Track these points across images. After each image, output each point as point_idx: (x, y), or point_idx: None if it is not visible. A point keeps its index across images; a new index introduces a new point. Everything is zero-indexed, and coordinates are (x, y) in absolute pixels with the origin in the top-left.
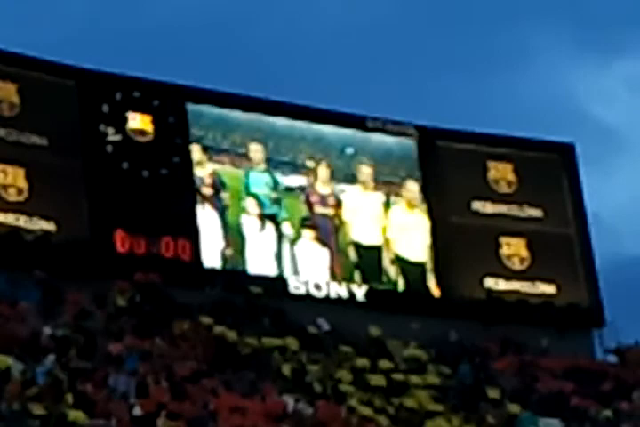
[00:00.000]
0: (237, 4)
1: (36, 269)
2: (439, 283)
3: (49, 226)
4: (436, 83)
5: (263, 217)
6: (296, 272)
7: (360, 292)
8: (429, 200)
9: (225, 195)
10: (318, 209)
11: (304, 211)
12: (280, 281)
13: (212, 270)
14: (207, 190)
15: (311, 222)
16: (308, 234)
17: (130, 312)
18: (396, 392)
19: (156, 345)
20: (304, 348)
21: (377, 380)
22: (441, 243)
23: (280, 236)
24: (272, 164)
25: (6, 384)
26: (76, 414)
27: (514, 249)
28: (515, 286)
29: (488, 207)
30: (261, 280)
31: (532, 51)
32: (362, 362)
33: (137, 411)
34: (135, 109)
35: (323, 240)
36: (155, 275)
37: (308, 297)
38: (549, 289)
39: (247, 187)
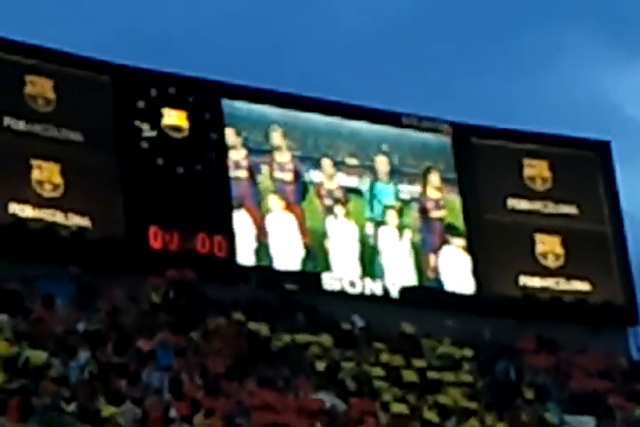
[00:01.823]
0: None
1: (71, 265)
2: (474, 280)
3: (84, 222)
4: (467, 81)
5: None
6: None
7: (394, 289)
8: (464, 197)
9: None
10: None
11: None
12: (313, 277)
13: (247, 267)
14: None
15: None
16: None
17: (164, 308)
18: (430, 389)
19: (190, 341)
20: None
21: (410, 376)
22: (476, 240)
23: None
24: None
25: (41, 380)
26: (110, 410)
27: (549, 246)
28: (549, 283)
29: (523, 204)
30: (295, 276)
31: (562, 49)
32: (395, 359)
33: (171, 408)
34: (170, 105)
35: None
36: (188, 271)
37: (341, 293)
38: (584, 287)
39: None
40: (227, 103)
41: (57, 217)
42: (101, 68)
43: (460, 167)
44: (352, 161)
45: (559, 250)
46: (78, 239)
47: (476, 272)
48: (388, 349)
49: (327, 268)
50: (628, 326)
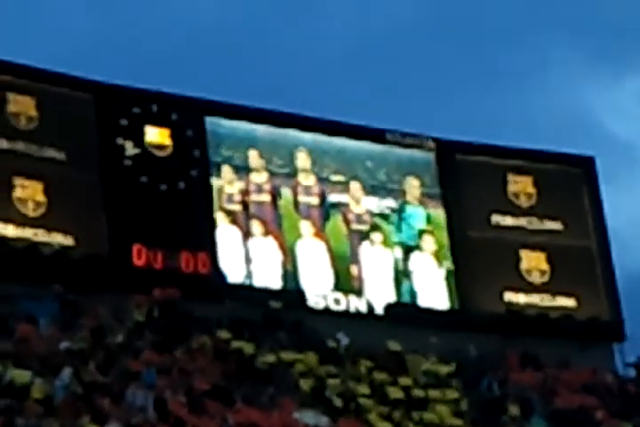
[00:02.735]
0: (254, 17)
1: (55, 284)
2: (459, 297)
3: (67, 240)
4: (451, 97)
5: None
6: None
7: (379, 305)
8: (449, 213)
9: None
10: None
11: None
12: (298, 295)
13: (231, 285)
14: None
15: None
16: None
17: (148, 327)
18: (415, 406)
19: (175, 359)
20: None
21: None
22: (460, 257)
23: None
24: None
25: (25, 399)
26: None
27: (534, 262)
28: (535, 299)
29: (508, 220)
30: (280, 294)
31: (547, 66)
32: (381, 376)
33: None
34: (153, 123)
35: None
36: (173, 291)
37: (326, 311)
38: (570, 303)
39: None
40: (210, 120)
41: (40, 236)
42: (84, 86)
43: (445, 183)
44: (337, 177)
45: (544, 266)
46: (62, 258)
47: (461, 289)
48: (374, 366)
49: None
50: (614, 342)
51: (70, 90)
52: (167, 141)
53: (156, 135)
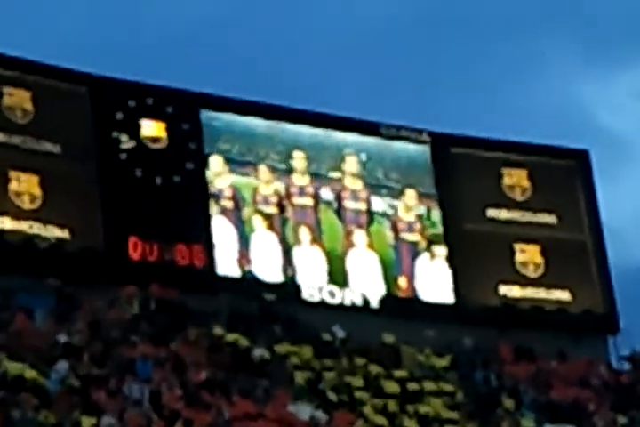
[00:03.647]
0: (250, 11)
1: (51, 277)
2: (454, 290)
3: (63, 233)
4: (448, 92)
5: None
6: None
7: (374, 299)
8: (443, 207)
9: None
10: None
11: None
12: (293, 288)
13: (226, 278)
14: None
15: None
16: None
17: (144, 319)
18: (410, 399)
19: (170, 352)
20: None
21: (391, 387)
22: (455, 250)
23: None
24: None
25: (20, 392)
26: (89, 422)
27: (528, 256)
28: (529, 292)
29: (503, 214)
30: (274, 287)
31: (541, 60)
32: (376, 369)
33: (150, 419)
34: (149, 116)
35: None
36: (171, 290)
37: (322, 304)
38: (564, 296)
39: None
40: (205, 114)
41: (35, 229)
42: (79, 80)
43: (439, 177)
44: (335, 174)
45: (539, 259)
46: (57, 251)
47: (456, 282)
48: (369, 359)
49: None
50: (609, 335)
51: (66, 83)
52: (162, 134)
53: (151, 128)
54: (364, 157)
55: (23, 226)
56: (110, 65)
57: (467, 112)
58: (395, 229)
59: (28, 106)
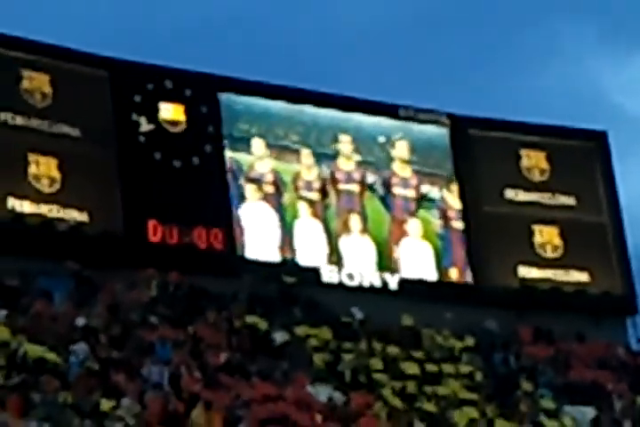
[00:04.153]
0: None
1: (70, 260)
2: (472, 271)
3: (82, 217)
4: (466, 74)
5: None
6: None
7: (393, 281)
8: (462, 189)
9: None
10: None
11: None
12: (313, 271)
13: (246, 260)
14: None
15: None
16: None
17: (163, 302)
18: (429, 381)
19: (189, 335)
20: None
21: (410, 368)
22: (474, 231)
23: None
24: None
25: (40, 375)
26: (109, 404)
27: (547, 237)
28: (548, 274)
29: (521, 196)
30: (294, 269)
31: (560, 43)
32: (394, 351)
33: (170, 401)
34: (167, 99)
35: None
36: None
37: (340, 286)
38: (583, 277)
39: None
40: (224, 97)
41: (55, 212)
42: (98, 63)
43: (458, 159)
44: (356, 157)
45: (557, 241)
46: (76, 234)
47: (475, 263)
48: (388, 341)
49: None
50: (627, 316)
51: (85, 66)
52: (181, 117)
53: (170, 111)
54: (382, 139)
55: (42, 209)
56: (129, 48)
57: (485, 95)
58: (444, 217)
59: (47, 89)
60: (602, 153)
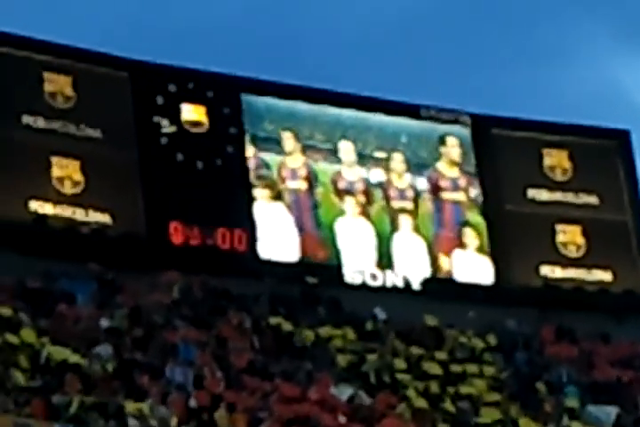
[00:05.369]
0: None
1: (92, 262)
2: (495, 271)
3: (104, 218)
4: (486, 73)
5: None
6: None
7: (416, 281)
8: (485, 188)
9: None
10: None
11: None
12: (335, 271)
13: (268, 262)
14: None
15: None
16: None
17: (186, 303)
18: (452, 381)
19: (212, 336)
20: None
21: (433, 368)
22: (496, 231)
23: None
24: None
25: (63, 376)
26: (133, 406)
27: (570, 236)
28: (571, 273)
29: (543, 195)
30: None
31: (577, 41)
32: (418, 351)
33: (193, 402)
34: (189, 101)
35: None
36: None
37: (363, 286)
38: (606, 276)
39: None
40: (246, 98)
41: (77, 214)
42: (120, 65)
43: (480, 159)
44: (379, 154)
45: (580, 240)
46: (99, 236)
47: (498, 263)
48: (411, 341)
49: None
50: None
51: (106, 68)
52: (203, 119)
53: (192, 113)
54: (404, 138)
55: (65, 211)
56: (150, 50)
57: (507, 94)
58: None
59: (69, 91)
60: (624, 152)
